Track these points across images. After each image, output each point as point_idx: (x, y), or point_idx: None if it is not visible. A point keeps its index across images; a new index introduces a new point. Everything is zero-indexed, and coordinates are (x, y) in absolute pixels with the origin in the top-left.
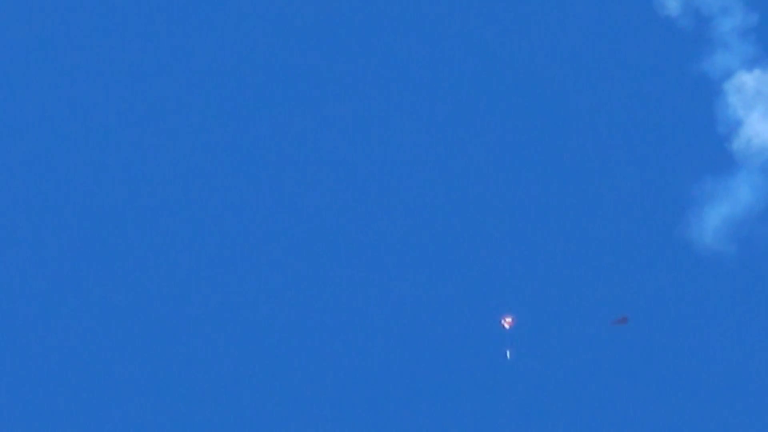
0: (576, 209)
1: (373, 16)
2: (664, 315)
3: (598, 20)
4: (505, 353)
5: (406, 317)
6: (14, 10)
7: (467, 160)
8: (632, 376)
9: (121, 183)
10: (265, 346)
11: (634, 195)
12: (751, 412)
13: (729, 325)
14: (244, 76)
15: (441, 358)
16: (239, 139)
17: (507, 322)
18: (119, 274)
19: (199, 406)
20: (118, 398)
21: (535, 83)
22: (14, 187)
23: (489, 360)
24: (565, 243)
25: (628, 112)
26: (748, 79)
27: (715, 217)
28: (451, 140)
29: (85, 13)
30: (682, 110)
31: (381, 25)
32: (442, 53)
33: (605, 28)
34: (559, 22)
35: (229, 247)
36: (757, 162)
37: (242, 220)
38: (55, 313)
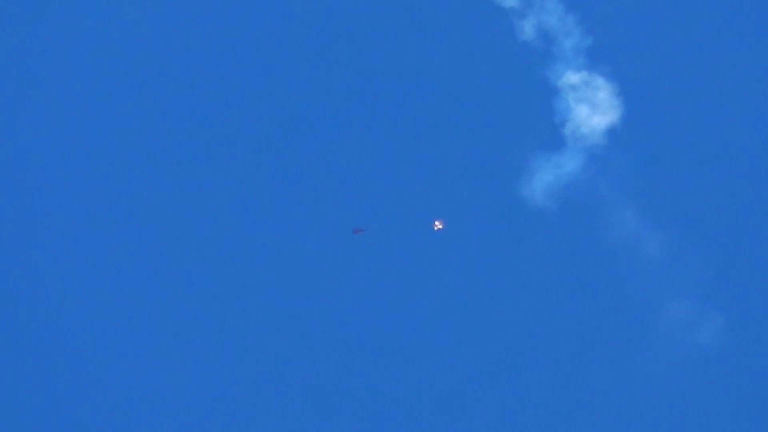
0: (438, 172)
1: (372, 16)
2: (491, 259)
3: (467, 41)
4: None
5: (403, 318)
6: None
7: None
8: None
9: (123, 182)
10: (263, 345)
11: (483, 163)
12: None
13: (546, 269)
14: (243, 75)
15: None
16: (239, 138)
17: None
18: (121, 274)
19: (199, 406)
20: (118, 398)
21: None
22: (13, 186)
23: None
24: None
25: (490, 105)
26: (578, 81)
27: (544, 182)
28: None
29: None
30: (529, 104)
31: (380, 26)
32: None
33: (477, 47)
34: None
35: (226, 247)
36: (581, 144)
37: (241, 219)
38: (55, 312)
